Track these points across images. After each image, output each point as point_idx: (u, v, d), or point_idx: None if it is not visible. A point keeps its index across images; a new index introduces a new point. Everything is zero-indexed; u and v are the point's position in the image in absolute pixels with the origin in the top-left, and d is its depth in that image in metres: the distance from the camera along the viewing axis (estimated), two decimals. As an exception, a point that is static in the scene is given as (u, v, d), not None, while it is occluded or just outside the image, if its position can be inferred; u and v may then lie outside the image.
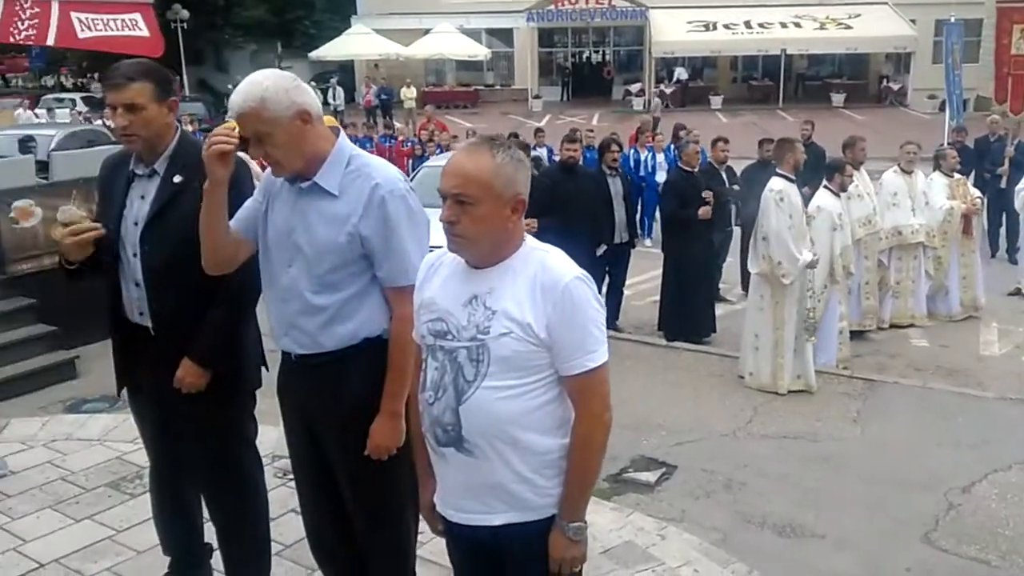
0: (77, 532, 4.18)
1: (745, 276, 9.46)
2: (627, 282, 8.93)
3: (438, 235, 2.40)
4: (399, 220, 2.70)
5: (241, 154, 2.78)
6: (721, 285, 9.77)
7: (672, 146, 13.22)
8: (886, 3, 33.44)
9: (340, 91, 30.33)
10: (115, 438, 5.22)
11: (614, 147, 8.74)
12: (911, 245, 8.78)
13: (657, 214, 12.38)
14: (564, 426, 2.28)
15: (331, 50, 32.84)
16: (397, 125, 21.80)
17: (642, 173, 12.91)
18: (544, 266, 2.23)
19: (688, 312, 8.36)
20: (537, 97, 34.85)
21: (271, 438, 4.56)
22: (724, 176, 9.63)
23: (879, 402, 6.69)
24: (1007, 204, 11.00)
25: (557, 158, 10.66)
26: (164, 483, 3.54)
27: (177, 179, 3.12)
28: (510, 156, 2.23)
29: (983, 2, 24.55)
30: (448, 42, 32.79)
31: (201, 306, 3.11)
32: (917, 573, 4.32)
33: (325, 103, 26.19)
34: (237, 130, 2.67)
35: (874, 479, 5.35)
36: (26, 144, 12.84)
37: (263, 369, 3.42)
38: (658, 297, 8.80)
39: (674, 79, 35.13)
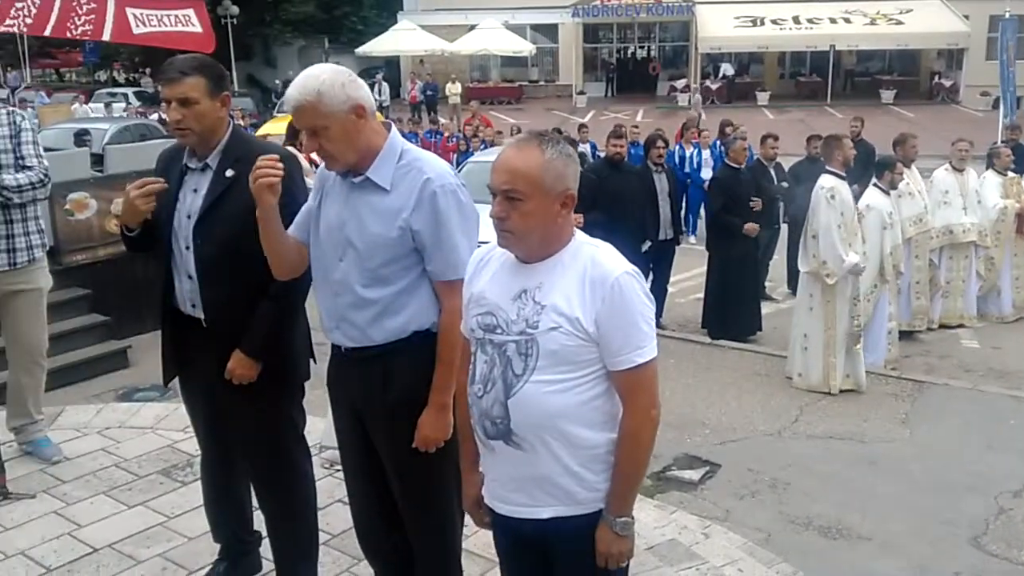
0: (130, 518, 4.26)
1: (792, 274, 9.39)
2: (671, 279, 8.89)
3: (487, 230, 2.42)
4: (450, 214, 2.72)
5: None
6: (767, 283, 9.68)
7: (718, 142, 13.11)
8: (938, -2, 32.86)
9: (385, 87, 30.52)
10: (166, 426, 5.31)
11: (660, 143, 8.68)
12: (962, 244, 8.64)
13: (702, 211, 12.32)
14: (612, 421, 2.29)
15: (377, 46, 33.02)
16: (442, 121, 21.87)
17: (687, 170, 12.82)
18: (594, 261, 2.23)
19: (732, 310, 8.30)
20: (581, 93, 34.76)
21: (318, 429, 4.63)
22: (773, 173, 9.54)
23: (928, 404, 6.59)
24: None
25: (601, 154, 10.64)
26: (215, 472, 3.60)
27: (229, 173, 3.14)
28: (559, 151, 2.23)
29: (1040, -4, 23.99)
30: (493, 38, 32.78)
31: (252, 298, 3.14)
32: (966, 577, 4.26)
33: (370, 98, 26.32)
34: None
35: (922, 481, 5.28)
36: (81, 138, 13.14)
37: (311, 361, 3.46)
38: (702, 295, 8.76)
39: (720, 75, 34.82)
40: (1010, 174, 9.17)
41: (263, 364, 3.21)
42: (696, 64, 34.28)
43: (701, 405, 6.49)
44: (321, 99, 2.64)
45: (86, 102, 26.82)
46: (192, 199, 3.20)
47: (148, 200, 3.14)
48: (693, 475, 5.33)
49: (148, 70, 36.00)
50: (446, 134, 17.66)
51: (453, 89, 29.56)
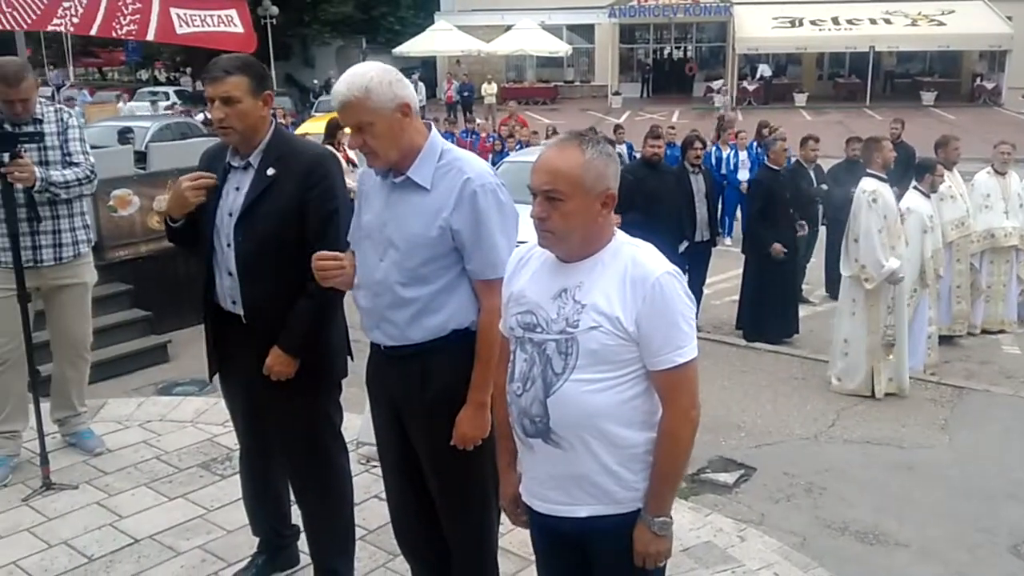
0: (171, 510, 4.33)
1: (830, 277, 9.31)
2: (707, 281, 8.84)
3: (526, 230, 2.43)
4: (489, 214, 2.74)
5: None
6: (804, 286, 9.59)
7: (755, 144, 13.02)
8: (981, -1, 32.38)
9: (422, 86, 30.60)
10: (206, 420, 5.38)
11: (697, 144, 8.64)
12: (1004, 248, 8.51)
13: (738, 213, 12.23)
14: (651, 420, 2.29)
15: (414, 46, 33.20)
16: (478, 121, 21.93)
17: (723, 171, 12.74)
18: (635, 260, 2.23)
19: (768, 312, 8.24)
20: (617, 94, 34.69)
21: (355, 425, 4.67)
22: (812, 175, 9.45)
23: (968, 410, 6.50)
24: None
25: (637, 155, 10.61)
26: (254, 467, 3.65)
27: (270, 172, 3.17)
28: (599, 151, 2.23)
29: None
30: (529, 38, 32.84)
31: (292, 296, 3.18)
32: (1006, 586, 4.21)
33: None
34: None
35: (961, 488, 5.21)
36: (124, 135, 13.35)
37: (348, 359, 3.50)
38: (737, 297, 8.70)
39: (757, 76, 34.56)
40: (1054, 177, 9.02)
41: (301, 361, 3.24)
42: (733, 65, 34.07)
43: (736, 408, 6.45)
44: (369, 95, 2.67)
45: (129, 100, 27.26)
46: (234, 197, 3.24)
47: (198, 193, 3.20)
48: (728, 478, 5.30)
49: (189, 69, 36.50)
50: (483, 135, 17.69)
51: (489, 89, 29.66)
